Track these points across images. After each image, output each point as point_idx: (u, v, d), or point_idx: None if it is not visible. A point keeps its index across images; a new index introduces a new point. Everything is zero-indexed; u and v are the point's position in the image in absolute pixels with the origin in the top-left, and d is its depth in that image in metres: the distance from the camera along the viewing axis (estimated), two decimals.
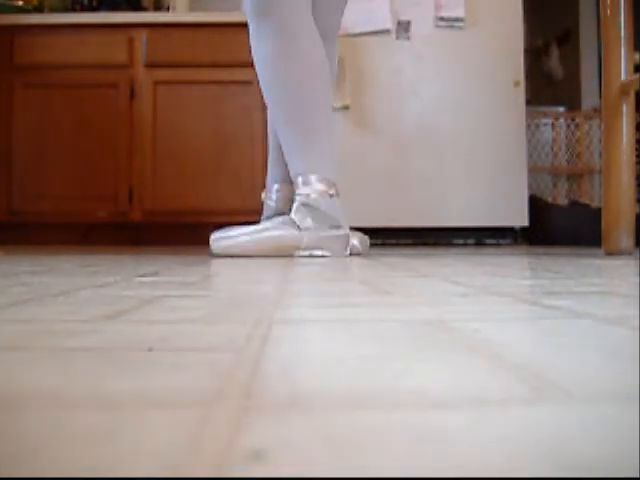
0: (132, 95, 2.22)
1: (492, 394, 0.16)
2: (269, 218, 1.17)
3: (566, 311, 0.33)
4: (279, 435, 0.13)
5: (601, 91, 1.21)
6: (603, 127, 1.20)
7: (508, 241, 2.23)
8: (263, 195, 1.31)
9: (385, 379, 0.18)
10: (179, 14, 2.34)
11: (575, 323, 0.29)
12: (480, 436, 0.13)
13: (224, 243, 1.11)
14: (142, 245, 2.16)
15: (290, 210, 1.14)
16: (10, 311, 0.33)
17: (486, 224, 2.19)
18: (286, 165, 1.21)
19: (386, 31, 2.16)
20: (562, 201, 2.75)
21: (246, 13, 1.15)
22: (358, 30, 2.13)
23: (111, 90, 2.22)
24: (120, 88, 2.22)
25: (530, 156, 2.67)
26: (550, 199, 2.75)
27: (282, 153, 1.22)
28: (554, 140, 2.85)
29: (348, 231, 1.14)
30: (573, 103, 3.31)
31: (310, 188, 1.11)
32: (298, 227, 1.09)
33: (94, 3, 2.43)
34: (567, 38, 3.55)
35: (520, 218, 2.19)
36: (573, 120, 2.87)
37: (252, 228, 1.11)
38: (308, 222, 1.09)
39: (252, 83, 2.03)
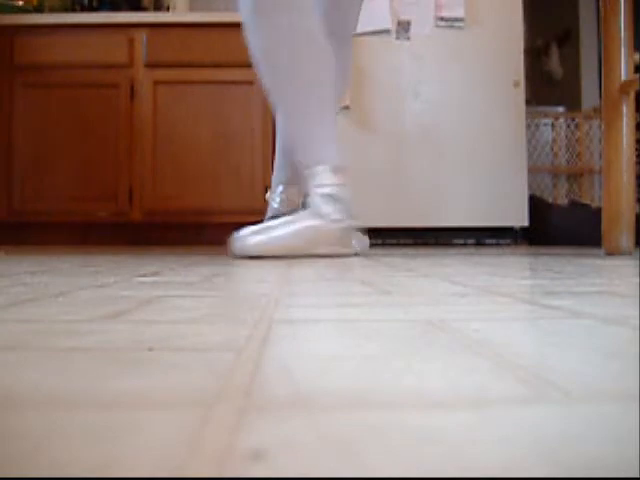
0: (132, 95, 2.22)
1: (492, 394, 0.16)
2: (271, 219, 1.17)
3: (566, 311, 0.33)
4: (279, 435, 0.13)
5: (601, 91, 1.21)
6: (603, 127, 1.20)
7: (508, 241, 2.23)
8: (268, 195, 1.31)
9: (385, 379, 0.18)
10: (179, 14, 2.34)
11: (575, 323, 0.29)
12: (480, 436, 0.13)
13: (254, 240, 1.00)
14: (142, 245, 2.17)
15: (303, 206, 1.09)
16: (10, 311, 0.33)
17: (486, 224, 2.19)
18: (291, 168, 1.21)
19: (386, 31, 2.16)
20: (562, 201, 2.75)
21: (241, 11, 1.14)
22: (358, 30, 2.12)
23: (111, 90, 2.22)
24: (120, 88, 2.22)
25: (530, 156, 2.67)
26: (550, 199, 2.75)
27: (287, 156, 1.22)
28: (554, 140, 2.85)
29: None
30: (573, 103, 3.31)
31: (331, 178, 1.07)
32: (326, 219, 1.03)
33: (94, 3, 2.43)
34: (567, 38, 3.55)
35: (520, 218, 2.19)
36: (573, 120, 2.87)
37: (281, 220, 1.03)
38: (336, 213, 1.05)
39: (252, 83, 2.03)
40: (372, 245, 1.39)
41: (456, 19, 2.16)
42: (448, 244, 2.20)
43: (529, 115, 2.60)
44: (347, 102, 2.14)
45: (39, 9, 2.41)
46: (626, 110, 1.16)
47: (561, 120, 2.88)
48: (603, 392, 0.17)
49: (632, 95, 1.16)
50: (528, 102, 2.33)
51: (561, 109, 2.99)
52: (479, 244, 2.21)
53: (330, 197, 1.07)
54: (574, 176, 2.88)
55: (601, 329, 0.27)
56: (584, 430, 0.13)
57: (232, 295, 0.44)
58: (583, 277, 0.58)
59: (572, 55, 3.51)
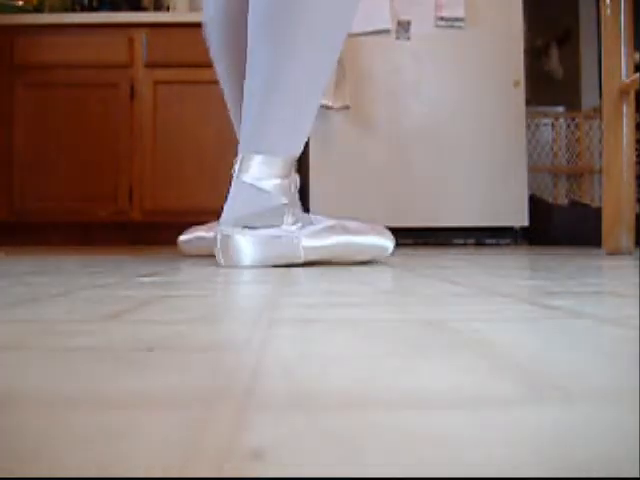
0: (132, 95, 2.22)
1: (492, 394, 0.16)
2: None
3: (566, 311, 0.33)
4: (279, 435, 0.13)
5: (601, 91, 1.21)
6: (603, 127, 1.20)
7: (508, 241, 2.23)
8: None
9: (385, 379, 0.18)
10: (179, 14, 2.34)
11: (575, 323, 0.29)
12: (480, 436, 0.13)
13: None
14: (142, 245, 2.16)
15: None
16: (10, 311, 0.33)
17: (486, 224, 2.19)
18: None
19: (386, 31, 2.16)
20: (562, 201, 2.75)
21: None
22: (358, 30, 2.13)
23: (111, 90, 2.22)
24: (120, 88, 2.22)
25: (530, 156, 2.67)
26: (550, 199, 2.75)
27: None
28: (554, 140, 2.85)
29: None
30: (573, 103, 3.31)
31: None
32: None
33: (94, 3, 2.43)
34: (567, 38, 3.55)
35: (520, 218, 2.19)
36: (573, 120, 2.87)
37: (332, 222, 0.84)
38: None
39: None
40: None
41: (456, 19, 2.16)
42: (448, 244, 2.20)
43: (529, 115, 2.60)
44: (347, 102, 2.14)
45: (39, 9, 2.41)
46: (626, 110, 1.16)
47: (561, 120, 2.88)
48: (603, 392, 0.17)
49: (632, 95, 1.16)
50: (528, 102, 2.33)
51: (561, 109, 2.99)
52: (479, 244, 2.21)
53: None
54: (574, 176, 2.88)
55: (601, 329, 0.27)
56: (584, 430, 0.13)
57: (232, 295, 0.44)
58: (583, 277, 0.58)
59: (572, 55, 3.51)
